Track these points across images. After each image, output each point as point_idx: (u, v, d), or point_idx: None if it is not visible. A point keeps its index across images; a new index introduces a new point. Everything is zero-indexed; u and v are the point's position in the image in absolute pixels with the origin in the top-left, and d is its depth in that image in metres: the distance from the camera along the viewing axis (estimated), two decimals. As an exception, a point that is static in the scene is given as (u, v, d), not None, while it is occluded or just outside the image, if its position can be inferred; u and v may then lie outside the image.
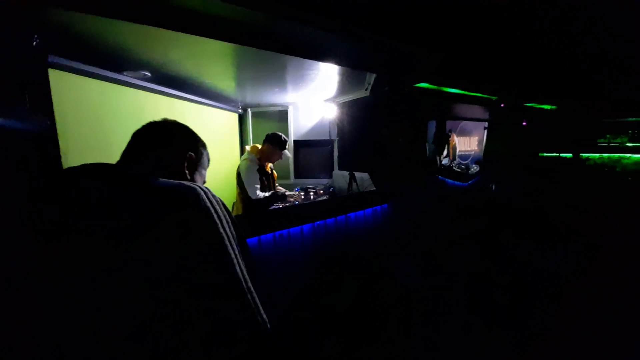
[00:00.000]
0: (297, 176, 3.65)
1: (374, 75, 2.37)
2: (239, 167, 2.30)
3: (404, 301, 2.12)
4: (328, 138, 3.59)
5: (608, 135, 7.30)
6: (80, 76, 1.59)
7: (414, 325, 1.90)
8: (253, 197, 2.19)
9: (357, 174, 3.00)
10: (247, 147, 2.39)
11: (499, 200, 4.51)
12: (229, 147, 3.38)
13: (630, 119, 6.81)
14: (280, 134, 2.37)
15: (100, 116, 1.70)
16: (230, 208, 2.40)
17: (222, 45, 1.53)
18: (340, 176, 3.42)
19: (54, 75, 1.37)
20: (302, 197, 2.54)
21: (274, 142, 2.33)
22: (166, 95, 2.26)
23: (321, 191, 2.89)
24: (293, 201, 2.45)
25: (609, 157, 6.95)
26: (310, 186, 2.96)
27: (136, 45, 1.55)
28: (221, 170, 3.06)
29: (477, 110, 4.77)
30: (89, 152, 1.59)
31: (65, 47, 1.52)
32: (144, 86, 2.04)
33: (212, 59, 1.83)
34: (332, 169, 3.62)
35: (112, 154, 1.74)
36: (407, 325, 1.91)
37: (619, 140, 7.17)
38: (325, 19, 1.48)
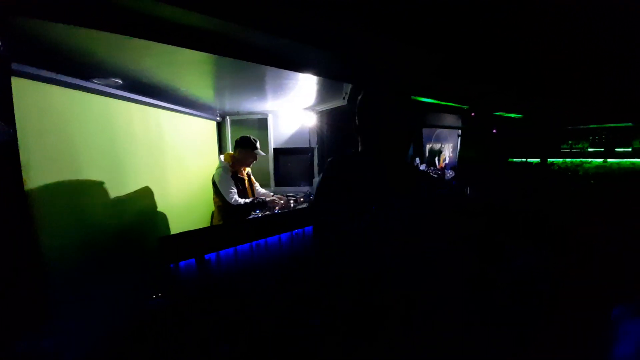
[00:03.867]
0: (277, 184, 3.64)
1: (350, 85, 2.43)
2: (213, 177, 2.28)
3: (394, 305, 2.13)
4: (308, 146, 3.61)
5: (570, 142, 7.85)
6: (45, 84, 1.52)
7: (411, 326, 1.87)
8: (233, 202, 2.17)
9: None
10: (221, 157, 2.37)
11: (475, 204, 4.69)
12: (207, 156, 3.32)
13: (591, 126, 7.37)
14: (248, 135, 2.38)
15: (66, 125, 1.62)
16: (209, 218, 2.34)
17: (197, 54, 1.52)
18: (321, 183, 3.45)
19: (17, 83, 1.31)
20: (282, 202, 2.52)
21: (244, 145, 2.34)
22: (139, 103, 2.20)
23: (301, 199, 2.90)
24: (275, 207, 2.43)
25: (571, 162, 7.45)
26: (291, 194, 2.96)
27: (106, 52, 1.51)
28: (199, 179, 3.00)
29: (451, 119, 5.00)
30: (52, 162, 1.51)
31: (31, 55, 1.46)
32: (115, 94, 1.98)
33: (187, 68, 1.81)
34: (313, 177, 3.64)
35: (79, 164, 1.68)
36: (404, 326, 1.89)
37: (580, 145, 7.72)
38: (299, 30, 1.51)
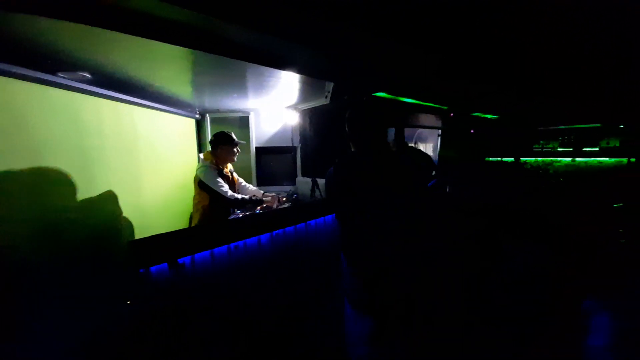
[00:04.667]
0: (259, 183, 3.58)
1: (332, 84, 2.42)
2: (196, 176, 2.20)
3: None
4: (291, 145, 3.58)
5: (542, 142, 8.29)
6: (4, 77, 1.41)
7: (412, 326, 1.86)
8: (229, 197, 2.15)
9: (320, 180, 3.03)
10: (201, 155, 2.31)
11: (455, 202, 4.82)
12: (185, 155, 3.21)
13: (560, 127, 7.81)
14: (221, 131, 2.34)
15: (27, 122, 1.51)
16: (187, 220, 2.25)
17: (172, 49, 1.45)
18: (304, 183, 3.42)
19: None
20: (277, 203, 2.48)
21: (224, 141, 2.29)
22: (110, 99, 2.08)
23: (284, 198, 2.86)
24: (270, 205, 2.39)
25: (543, 161, 7.87)
26: (273, 193, 2.91)
27: (71, 44, 1.41)
28: (178, 178, 2.89)
29: (431, 119, 5.11)
30: (11, 161, 1.40)
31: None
32: (83, 89, 1.86)
33: (162, 63, 1.73)
34: (296, 176, 3.60)
35: (42, 163, 1.57)
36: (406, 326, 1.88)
37: (550, 145, 8.17)
38: (281, 26, 1.48)
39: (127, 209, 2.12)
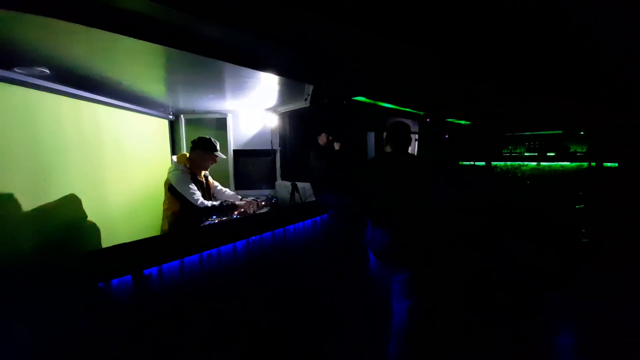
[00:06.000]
0: (237, 187, 3.47)
1: (311, 87, 2.40)
2: (167, 179, 2.06)
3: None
4: (270, 148, 3.51)
5: (510, 147, 8.78)
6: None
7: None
8: (200, 205, 2.01)
9: (299, 184, 2.98)
10: (174, 158, 2.15)
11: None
12: (157, 158, 3.04)
13: (526, 133, 8.32)
14: (207, 137, 2.20)
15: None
16: (159, 227, 2.08)
17: (139, 44, 1.35)
18: (283, 186, 3.36)
19: None
20: (253, 208, 2.31)
21: (204, 147, 2.15)
22: (71, 96, 1.92)
23: (263, 202, 2.78)
24: (247, 213, 2.23)
25: (511, 165, 8.33)
26: (252, 197, 2.83)
27: (28, 37, 1.28)
28: (149, 183, 2.72)
29: (409, 124, 5.22)
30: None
31: None
32: (41, 85, 1.70)
33: (130, 59, 1.62)
34: (275, 180, 3.53)
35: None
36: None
37: (518, 150, 8.67)
38: (258, 24, 1.43)
39: (91, 215, 1.96)
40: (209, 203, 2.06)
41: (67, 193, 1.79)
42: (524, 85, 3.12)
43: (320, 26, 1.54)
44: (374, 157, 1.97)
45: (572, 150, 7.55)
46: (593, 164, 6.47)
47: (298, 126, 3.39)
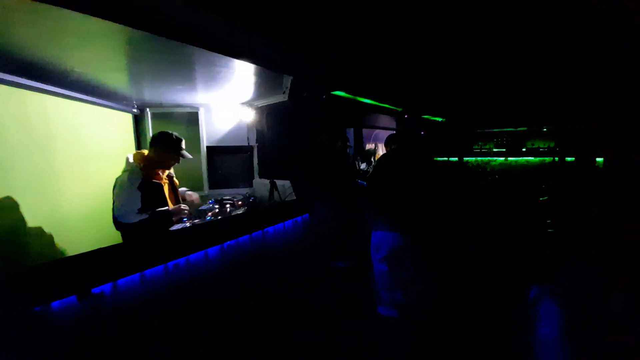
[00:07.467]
0: (212, 186, 3.26)
1: (290, 79, 2.27)
2: (115, 182, 1.74)
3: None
4: (246, 144, 3.33)
5: (480, 143, 9.22)
6: None
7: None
8: (123, 220, 1.62)
9: (279, 182, 2.85)
10: (129, 156, 1.81)
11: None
12: (121, 156, 2.74)
13: (495, 130, 8.78)
14: (169, 132, 1.84)
15: None
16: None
17: (93, 22, 1.16)
18: (262, 185, 3.21)
19: None
20: (187, 211, 1.88)
21: (164, 145, 1.80)
22: (12, 85, 1.65)
23: (239, 202, 2.62)
24: (182, 218, 1.86)
25: (481, 160, 8.75)
26: (227, 197, 2.65)
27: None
28: (110, 183, 2.45)
29: (387, 120, 5.26)
30: None
31: None
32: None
33: (80, 41, 1.40)
34: (252, 177, 3.37)
35: None
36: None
37: (487, 146, 9.13)
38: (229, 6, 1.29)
39: (38, 219, 1.71)
40: (134, 218, 1.64)
41: (6, 194, 1.53)
42: (524, 85, 3.19)
43: (314, 23, 1.43)
44: (380, 158, 1.99)
45: (535, 146, 8.09)
46: (557, 158, 6.93)
47: (276, 121, 3.24)
